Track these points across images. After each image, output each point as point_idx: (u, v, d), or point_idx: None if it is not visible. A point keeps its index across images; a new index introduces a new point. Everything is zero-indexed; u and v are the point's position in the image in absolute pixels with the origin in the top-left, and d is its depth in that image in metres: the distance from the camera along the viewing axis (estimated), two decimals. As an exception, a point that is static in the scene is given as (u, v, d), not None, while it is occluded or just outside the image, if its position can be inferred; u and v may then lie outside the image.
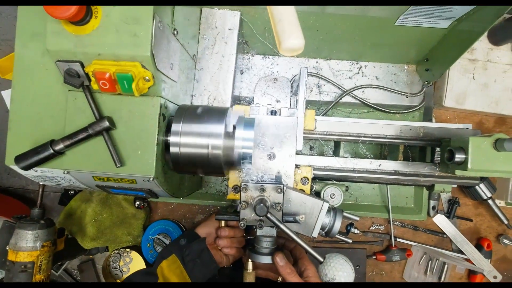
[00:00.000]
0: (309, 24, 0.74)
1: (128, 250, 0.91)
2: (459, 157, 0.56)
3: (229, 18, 0.74)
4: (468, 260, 0.88)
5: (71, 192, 0.90)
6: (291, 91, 0.72)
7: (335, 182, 0.83)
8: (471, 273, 0.90)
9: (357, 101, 0.88)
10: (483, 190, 0.82)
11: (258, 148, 0.65)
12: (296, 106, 0.69)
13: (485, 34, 0.83)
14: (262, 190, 0.59)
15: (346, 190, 0.88)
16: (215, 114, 0.53)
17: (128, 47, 0.45)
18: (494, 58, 0.84)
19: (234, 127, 0.54)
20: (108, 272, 0.94)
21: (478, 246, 0.88)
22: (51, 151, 0.48)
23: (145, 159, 0.51)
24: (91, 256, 0.92)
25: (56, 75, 0.50)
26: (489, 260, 0.87)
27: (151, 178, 0.51)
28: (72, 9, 0.39)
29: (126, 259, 0.93)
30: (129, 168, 0.51)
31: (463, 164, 0.56)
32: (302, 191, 0.67)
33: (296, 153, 0.70)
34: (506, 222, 0.86)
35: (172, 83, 0.56)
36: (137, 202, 0.82)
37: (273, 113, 0.70)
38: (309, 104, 0.91)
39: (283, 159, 0.66)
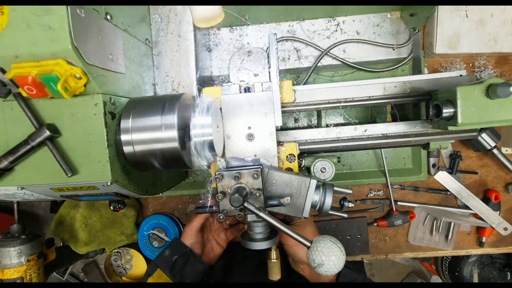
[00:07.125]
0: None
1: (126, 248, 0.91)
2: (447, 111, 0.49)
3: (180, -10, 0.66)
4: (475, 215, 0.83)
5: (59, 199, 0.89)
6: (269, 62, 0.65)
7: (324, 154, 0.78)
8: (480, 227, 0.86)
9: (339, 63, 0.80)
10: (486, 140, 0.76)
11: (233, 130, 0.60)
12: (270, 79, 0.63)
13: (477, -38, 0.72)
14: (237, 178, 0.54)
15: (338, 161, 0.83)
16: (167, 103, 0.48)
17: (44, 43, 0.39)
18: (488, -11, 0.73)
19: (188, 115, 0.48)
20: (112, 271, 0.95)
21: (485, 199, 0.83)
22: (-4, 169, 0.45)
23: (98, 163, 0.47)
24: (91, 259, 0.93)
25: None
26: (498, 212, 0.82)
27: (108, 183, 0.47)
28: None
29: (127, 256, 0.94)
30: (84, 175, 0.47)
31: (453, 119, 0.50)
32: (290, 169, 0.63)
33: (277, 130, 0.65)
34: (514, 169, 0.80)
35: (117, 76, 0.51)
36: (112, 205, 0.78)
37: (247, 90, 0.64)
38: (289, 72, 0.84)
39: (263, 139, 0.61)
